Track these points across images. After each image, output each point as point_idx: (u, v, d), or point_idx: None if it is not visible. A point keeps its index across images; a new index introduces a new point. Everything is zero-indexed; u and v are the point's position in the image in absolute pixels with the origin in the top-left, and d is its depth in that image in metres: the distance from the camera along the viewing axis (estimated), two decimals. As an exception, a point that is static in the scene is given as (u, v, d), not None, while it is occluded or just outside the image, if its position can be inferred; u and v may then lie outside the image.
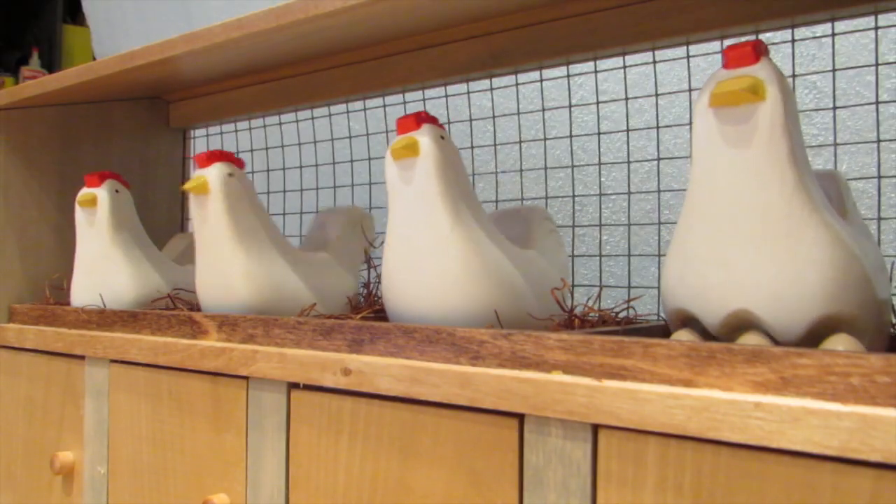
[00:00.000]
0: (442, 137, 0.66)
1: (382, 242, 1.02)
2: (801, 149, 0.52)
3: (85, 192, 0.93)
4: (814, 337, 0.50)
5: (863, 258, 0.51)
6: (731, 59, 0.52)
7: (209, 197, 0.77)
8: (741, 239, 0.50)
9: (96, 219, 0.92)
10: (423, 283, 0.64)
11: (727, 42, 0.74)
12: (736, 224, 0.50)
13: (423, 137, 0.65)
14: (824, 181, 0.61)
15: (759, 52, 0.52)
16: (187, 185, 0.78)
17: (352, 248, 0.93)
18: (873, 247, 0.58)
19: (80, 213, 0.94)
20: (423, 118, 0.67)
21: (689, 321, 0.55)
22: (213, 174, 0.78)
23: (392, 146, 0.65)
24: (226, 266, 0.78)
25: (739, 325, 0.52)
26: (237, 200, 0.78)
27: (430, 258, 0.63)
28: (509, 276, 0.65)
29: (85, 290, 0.93)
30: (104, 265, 0.92)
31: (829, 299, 0.49)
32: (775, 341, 0.51)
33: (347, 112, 1.09)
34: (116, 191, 0.94)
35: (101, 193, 0.92)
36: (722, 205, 0.51)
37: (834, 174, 0.64)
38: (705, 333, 0.54)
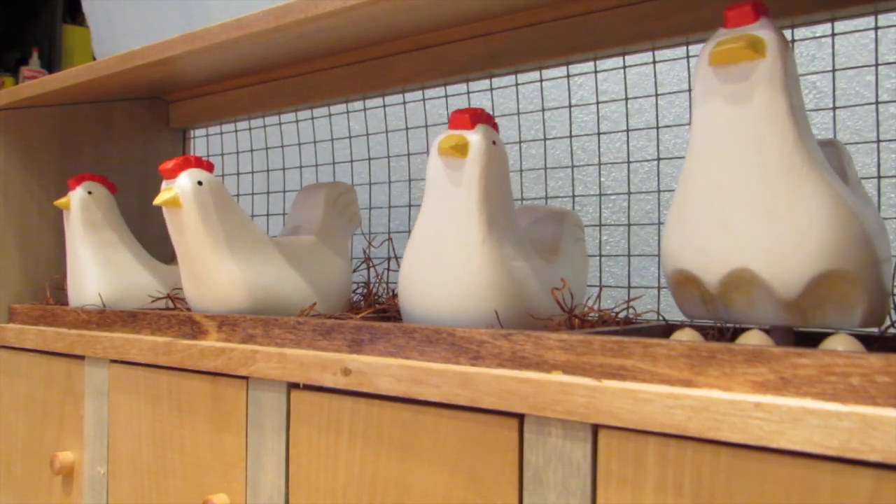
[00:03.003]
0: (494, 143, 0.63)
1: (383, 242, 1.02)
2: (801, 108, 0.52)
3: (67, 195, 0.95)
4: (813, 294, 0.50)
5: (862, 216, 0.50)
6: (731, 18, 0.52)
7: (182, 210, 0.76)
8: (740, 197, 0.50)
9: (69, 220, 0.94)
10: (442, 288, 0.62)
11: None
12: (735, 182, 0.50)
13: (476, 138, 0.62)
14: (825, 149, 0.60)
15: (759, 11, 0.52)
16: (158, 200, 0.76)
17: (337, 227, 0.91)
18: (873, 211, 0.57)
19: (64, 215, 0.96)
20: (478, 117, 0.63)
21: (689, 282, 0.55)
22: (183, 185, 0.76)
23: (440, 142, 0.62)
24: (212, 276, 0.77)
25: (740, 283, 0.51)
26: (211, 208, 0.76)
27: (455, 265, 0.61)
28: (532, 293, 0.64)
29: (71, 290, 0.95)
30: (75, 265, 0.94)
31: (828, 256, 0.49)
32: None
33: (347, 112, 1.09)
34: (89, 192, 0.95)
35: (74, 196, 0.94)
36: (721, 163, 0.51)
37: (835, 143, 0.63)
38: (705, 294, 0.54)
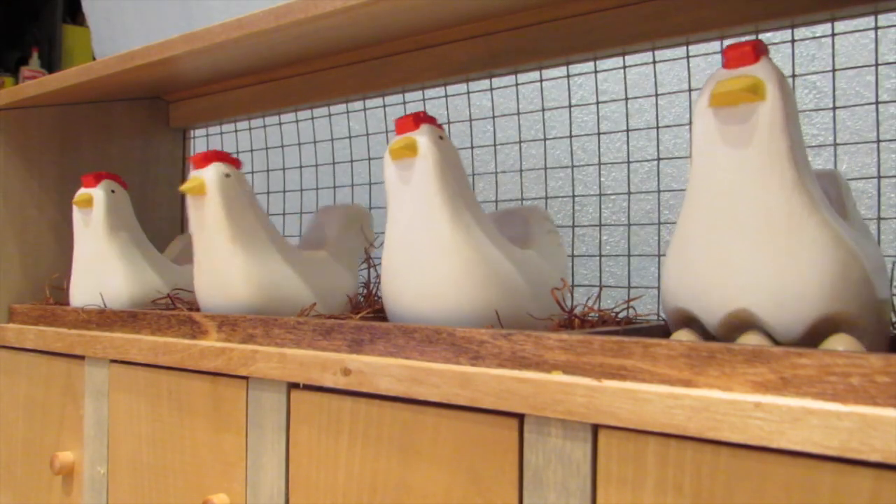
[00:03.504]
0: (441, 138, 0.66)
1: (382, 242, 1.02)
2: (801, 149, 0.52)
3: (81, 192, 0.93)
4: (814, 337, 0.50)
5: (863, 258, 0.51)
6: (731, 58, 0.52)
7: (206, 198, 0.77)
8: (741, 239, 0.50)
9: (92, 219, 0.93)
10: (422, 284, 0.64)
11: (727, 42, 0.74)
12: (735, 224, 0.50)
13: (422, 137, 0.65)
14: (824, 181, 0.61)
15: (758, 51, 0.52)
16: (184, 187, 0.78)
17: (351, 247, 0.93)
18: (873, 247, 0.58)
19: (76, 214, 0.94)
20: (421, 118, 0.66)
21: (689, 321, 0.55)
22: (210, 175, 0.77)
23: (390, 146, 0.65)
24: (225, 267, 0.78)
25: (739, 324, 0.52)
26: (234, 201, 0.78)
27: (429, 259, 0.63)
28: (508, 276, 0.65)
29: (82, 290, 0.93)
30: (100, 265, 0.93)
31: (828, 299, 0.49)
32: (775, 341, 0.50)
33: (347, 112, 1.09)
34: (112, 191, 0.94)
35: (97, 193, 0.92)
36: (721, 204, 0.51)
37: (834, 174, 0.64)
38: (705, 333, 0.54)
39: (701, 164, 0.52)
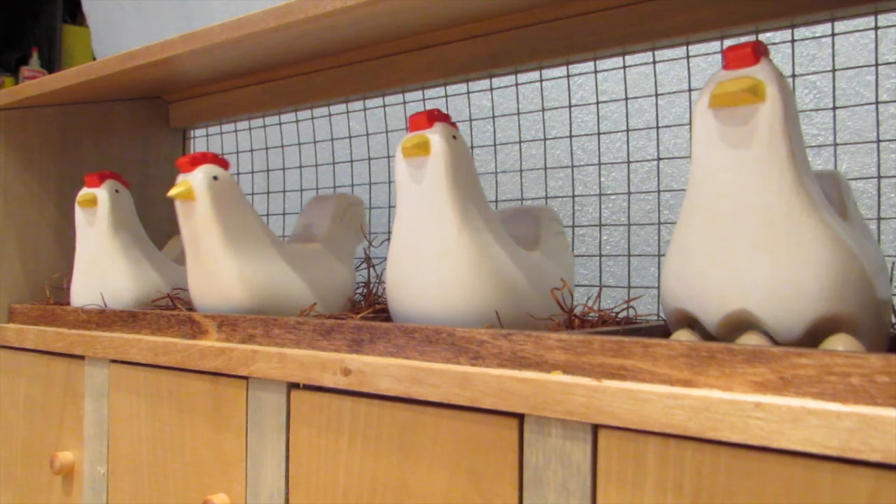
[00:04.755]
0: (454, 137, 0.65)
1: (383, 241, 1.02)
2: (801, 149, 0.52)
3: (85, 192, 0.93)
4: (813, 337, 0.50)
5: (862, 258, 0.51)
6: (731, 59, 0.52)
7: (195, 203, 0.76)
8: (740, 239, 0.50)
9: (96, 219, 0.92)
10: (428, 284, 0.63)
11: (727, 42, 0.74)
12: (735, 224, 0.50)
13: (435, 136, 0.64)
14: (824, 182, 0.61)
15: (758, 52, 0.52)
16: (172, 192, 0.76)
17: (344, 237, 0.92)
18: (873, 247, 0.58)
19: (79, 213, 0.94)
20: (435, 116, 0.66)
21: (688, 321, 0.55)
22: (198, 179, 0.77)
23: (403, 143, 0.64)
24: (219, 270, 0.77)
25: (739, 325, 0.52)
26: (224, 204, 0.77)
27: (436, 259, 0.63)
28: (514, 279, 0.65)
29: (85, 290, 0.93)
30: (104, 265, 0.92)
31: (828, 300, 0.49)
32: (775, 342, 0.50)
33: (347, 112, 1.09)
34: (116, 191, 0.94)
35: (101, 193, 0.92)
36: (721, 205, 0.51)
37: (834, 174, 0.64)
38: (705, 334, 0.54)
39: (701, 164, 0.53)
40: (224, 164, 0.81)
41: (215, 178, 0.77)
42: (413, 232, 0.65)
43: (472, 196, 0.65)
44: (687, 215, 0.54)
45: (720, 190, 0.51)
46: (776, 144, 0.50)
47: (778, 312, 0.50)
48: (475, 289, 0.62)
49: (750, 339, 0.50)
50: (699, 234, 0.53)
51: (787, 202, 0.49)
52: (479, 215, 0.65)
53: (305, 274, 0.82)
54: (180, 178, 0.78)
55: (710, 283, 0.52)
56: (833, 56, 0.75)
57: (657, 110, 0.86)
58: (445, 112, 0.68)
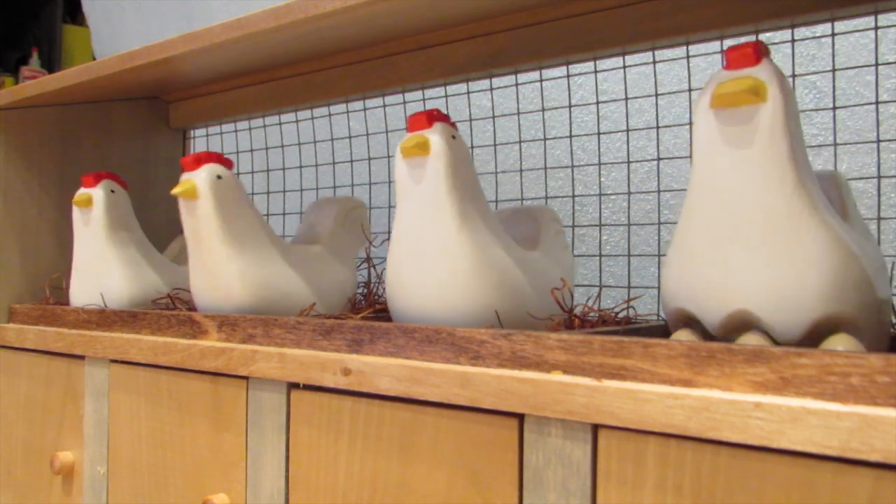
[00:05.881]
0: (453, 137, 0.65)
1: (383, 241, 1.02)
2: (802, 149, 0.52)
3: (81, 192, 0.93)
4: (814, 337, 0.50)
5: (863, 258, 0.51)
6: (732, 59, 0.52)
7: (199, 201, 0.76)
8: (741, 239, 0.50)
9: (91, 219, 0.93)
10: (427, 284, 0.63)
11: (727, 42, 0.74)
12: (736, 224, 0.50)
13: (434, 136, 0.64)
14: (825, 182, 0.61)
15: (759, 53, 0.52)
16: (176, 190, 0.77)
17: (346, 240, 0.92)
18: (873, 247, 0.58)
19: (76, 213, 0.94)
20: (434, 116, 0.66)
21: (689, 321, 0.55)
22: (202, 177, 0.77)
23: (402, 144, 0.64)
24: (220, 269, 0.77)
25: (739, 325, 0.52)
26: (227, 203, 0.77)
27: (435, 259, 0.63)
28: (514, 279, 0.65)
29: (82, 290, 0.93)
30: (100, 265, 0.93)
31: (828, 300, 0.49)
32: (775, 342, 0.51)
33: (347, 112, 1.09)
34: (112, 191, 0.94)
35: (97, 193, 0.92)
36: (722, 205, 0.51)
37: (834, 175, 0.64)
38: (705, 333, 0.54)
39: (702, 164, 0.53)
40: (228, 163, 0.81)
41: (219, 177, 0.78)
42: (413, 232, 0.65)
43: (471, 196, 0.65)
44: (688, 215, 0.54)
45: (721, 190, 0.51)
46: (777, 144, 0.50)
47: (779, 312, 0.50)
48: (475, 289, 0.62)
49: (750, 339, 0.50)
50: (700, 233, 0.53)
51: (787, 202, 0.49)
52: (478, 215, 0.64)
53: (307, 275, 0.82)
54: (184, 176, 0.78)
55: (711, 283, 0.52)
56: (833, 56, 0.75)
57: (657, 110, 0.86)
58: (445, 112, 0.68)
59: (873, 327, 0.52)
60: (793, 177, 0.49)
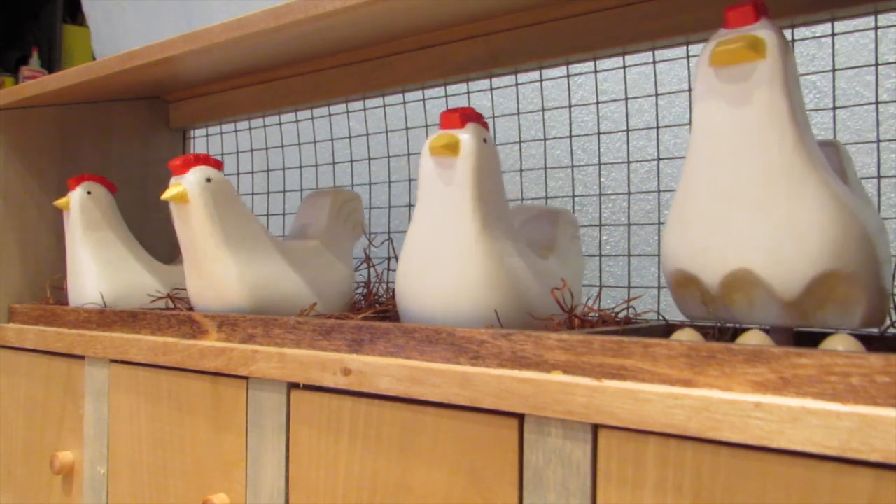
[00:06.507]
0: (485, 140, 0.63)
1: (383, 242, 1.02)
2: (801, 108, 0.52)
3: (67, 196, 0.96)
4: (813, 295, 0.50)
5: (861, 217, 0.50)
6: (732, 18, 0.52)
7: (190, 205, 0.76)
8: (741, 198, 0.50)
9: (69, 220, 0.95)
10: (440, 289, 0.62)
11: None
12: (735, 183, 0.50)
13: (466, 136, 0.62)
14: (826, 150, 0.61)
15: (759, 11, 0.52)
16: (166, 195, 0.76)
17: (341, 233, 0.92)
18: (873, 212, 0.57)
19: (64, 216, 0.97)
20: (469, 116, 0.64)
21: (689, 282, 0.55)
22: (191, 181, 0.76)
23: (432, 142, 0.63)
24: (216, 272, 0.77)
25: (740, 284, 0.51)
26: (218, 205, 0.77)
27: (450, 262, 0.62)
28: (527, 290, 0.64)
29: (71, 290, 0.95)
30: (74, 265, 0.94)
31: (828, 257, 0.49)
32: (776, 340, 0.50)
33: (347, 112, 1.09)
34: (88, 192, 0.95)
35: (73, 196, 0.94)
36: (722, 164, 0.51)
37: (835, 143, 0.63)
38: (705, 293, 0.54)
39: (701, 123, 0.52)
40: (217, 164, 0.80)
41: (208, 179, 0.77)
42: (430, 233, 0.63)
43: (495, 202, 0.63)
44: (688, 175, 0.53)
45: (721, 148, 0.51)
46: (777, 101, 0.50)
47: (779, 270, 0.49)
48: (486, 299, 0.61)
49: (750, 339, 0.50)
50: (700, 193, 0.52)
51: (787, 160, 0.49)
52: (499, 223, 0.63)
53: (304, 272, 0.82)
54: (173, 180, 0.78)
55: (711, 242, 0.52)
56: (833, 56, 0.75)
57: (657, 110, 0.86)
58: (478, 112, 0.65)
59: (873, 285, 0.51)
60: (792, 135, 0.49)
